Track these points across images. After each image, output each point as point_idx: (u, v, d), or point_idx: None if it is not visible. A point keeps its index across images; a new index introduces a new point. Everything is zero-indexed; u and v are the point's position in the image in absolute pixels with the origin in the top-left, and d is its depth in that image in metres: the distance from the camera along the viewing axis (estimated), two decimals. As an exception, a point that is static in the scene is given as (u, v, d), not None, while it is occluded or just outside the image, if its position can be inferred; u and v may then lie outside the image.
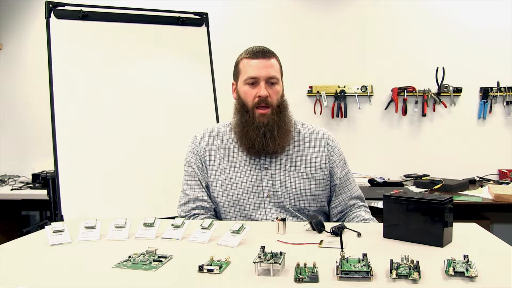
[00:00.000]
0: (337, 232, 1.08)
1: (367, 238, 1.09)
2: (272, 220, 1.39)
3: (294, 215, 1.43)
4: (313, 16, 3.21)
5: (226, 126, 1.54)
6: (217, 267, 0.85)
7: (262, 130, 1.40)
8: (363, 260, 0.84)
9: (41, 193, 2.81)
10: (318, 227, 1.13)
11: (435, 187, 2.62)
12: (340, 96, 3.14)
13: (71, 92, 2.31)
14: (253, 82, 1.42)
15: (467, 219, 2.18)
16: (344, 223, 1.18)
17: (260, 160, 1.45)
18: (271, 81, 1.42)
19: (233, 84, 1.52)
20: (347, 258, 0.85)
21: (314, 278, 0.79)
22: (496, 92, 3.03)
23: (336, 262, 0.83)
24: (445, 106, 3.07)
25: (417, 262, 0.81)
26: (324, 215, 1.52)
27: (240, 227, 1.07)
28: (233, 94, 1.52)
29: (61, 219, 2.10)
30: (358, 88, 3.14)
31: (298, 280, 0.79)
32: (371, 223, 1.41)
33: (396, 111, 3.12)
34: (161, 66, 2.52)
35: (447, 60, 3.07)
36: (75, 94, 2.31)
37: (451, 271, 0.79)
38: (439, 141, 3.12)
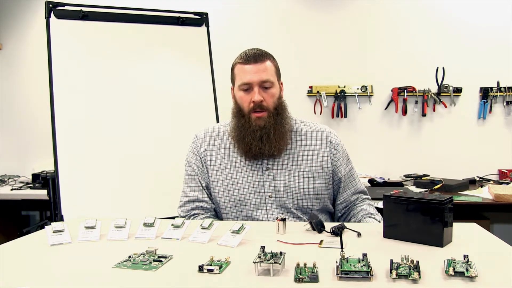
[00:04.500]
0: (337, 232, 1.08)
1: (367, 238, 1.08)
2: (273, 220, 1.39)
3: (296, 215, 1.43)
4: (313, 16, 3.21)
5: (227, 125, 1.52)
6: (217, 267, 0.85)
7: (259, 133, 1.39)
8: (363, 260, 0.84)
9: (41, 193, 2.81)
10: (318, 227, 1.13)
11: (435, 187, 2.61)
12: (340, 96, 3.14)
13: (71, 92, 2.31)
14: (247, 88, 1.41)
15: (467, 219, 2.18)
16: (344, 223, 1.17)
17: (262, 160, 1.44)
18: (264, 85, 1.40)
19: (231, 88, 1.51)
20: (347, 258, 0.85)
21: (314, 278, 0.79)
22: (496, 92, 3.03)
23: (336, 262, 0.83)
24: (445, 106, 3.07)
25: (417, 262, 0.81)
26: (327, 213, 1.52)
27: (240, 227, 1.07)
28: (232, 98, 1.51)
29: (61, 219, 2.10)
30: (358, 88, 3.14)
31: (298, 280, 0.79)
32: (371, 222, 1.40)
33: (396, 111, 3.12)
34: (161, 66, 2.52)
35: (447, 60, 3.07)
36: (75, 94, 2.31)
37: (451, 271, 0.79)
38: (439, 141, 3.12)
